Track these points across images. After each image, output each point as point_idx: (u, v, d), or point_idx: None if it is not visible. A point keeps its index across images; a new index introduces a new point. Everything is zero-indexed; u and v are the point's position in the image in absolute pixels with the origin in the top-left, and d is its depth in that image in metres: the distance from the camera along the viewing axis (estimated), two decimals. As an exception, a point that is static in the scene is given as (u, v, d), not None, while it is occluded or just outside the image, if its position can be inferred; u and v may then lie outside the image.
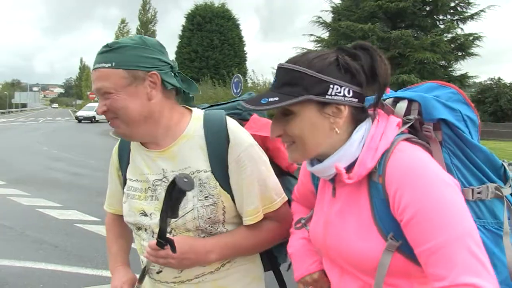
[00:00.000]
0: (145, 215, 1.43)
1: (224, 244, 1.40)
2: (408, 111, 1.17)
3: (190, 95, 1.49)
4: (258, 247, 1.49)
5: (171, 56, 1.53)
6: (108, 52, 1.33)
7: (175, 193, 1.19)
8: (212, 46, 31.69)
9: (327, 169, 1.12)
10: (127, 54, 1.32)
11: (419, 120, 1.15)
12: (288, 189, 1.59)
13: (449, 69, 18.42)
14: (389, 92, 1.23)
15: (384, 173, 1.03)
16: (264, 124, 1.61)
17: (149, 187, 1.44)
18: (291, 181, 1.68)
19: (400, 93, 1.21)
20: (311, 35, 19.94)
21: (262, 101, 1.08)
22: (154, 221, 1.40)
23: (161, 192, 1.40)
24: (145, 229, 1.44)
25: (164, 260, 1.32)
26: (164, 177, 1.42)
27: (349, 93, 1.07)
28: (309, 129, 1.09)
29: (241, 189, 1.39)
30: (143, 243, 1.44)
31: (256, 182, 1.39)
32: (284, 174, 1.68)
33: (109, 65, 1.31)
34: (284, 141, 1.15)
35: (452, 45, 17.37)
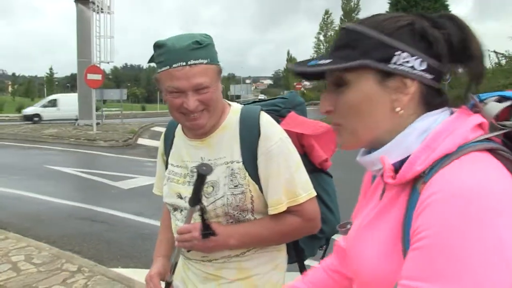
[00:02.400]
0: (181, 197, 1.56)
1: (244, 231, 1.49)
2: (506, 115, 0.84)
3: None
4: (277, 239, 1.55)
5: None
6: (201, 49, 1.39)
7: (198, 180, 1.30)
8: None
9: (376, 162, 0.87)
10: (213, 51, 1.44)
11: None
12: (321, 186, 1.70)
13: None
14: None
15: (428, 182, 0.75)
16: (300, 122, 1.69)
17: (187, 173, 1.56)
18: (325, 179, 1.77)
19: (507, 92, 0.87)
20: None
21: (310, 64, 0.87)
22: (187, 203, 1.50)
23: None
24: (181, 210, 1.57)
25: (189, 243, 1.45)
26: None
27: (421, 65, 0.82)
28: (364, 104, 0.85)
29: (267, 180, 1.46)
30: (177, 223, 1.58)
31: (282, 175, 1.45)
32: (317, 171, 1.74)
33: (206, 61, 1.40)
34: (333, 121, 0.91)
35: None
